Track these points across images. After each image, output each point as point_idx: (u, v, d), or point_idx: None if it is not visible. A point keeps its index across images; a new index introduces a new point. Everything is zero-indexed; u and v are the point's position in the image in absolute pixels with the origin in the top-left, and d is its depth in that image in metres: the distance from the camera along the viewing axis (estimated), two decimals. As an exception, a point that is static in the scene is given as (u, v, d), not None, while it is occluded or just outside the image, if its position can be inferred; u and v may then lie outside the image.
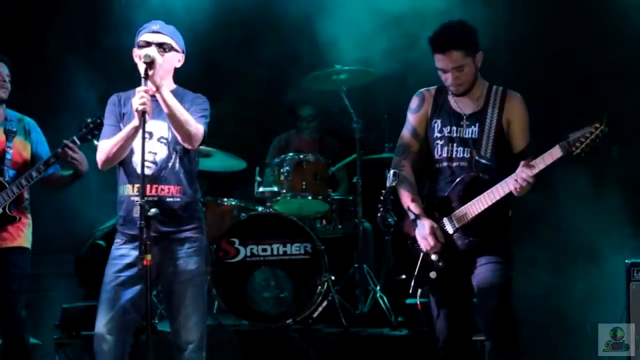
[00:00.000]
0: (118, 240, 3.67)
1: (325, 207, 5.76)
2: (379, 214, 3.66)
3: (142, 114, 3.41)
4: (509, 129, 3.75)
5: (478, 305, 3.73)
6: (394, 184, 3.64)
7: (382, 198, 3.64)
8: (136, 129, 3.49)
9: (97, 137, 4.04)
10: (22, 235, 4.43)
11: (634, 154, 5.56)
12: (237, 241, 5.39)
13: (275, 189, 5.66)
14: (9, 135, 4.44)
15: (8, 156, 4.39)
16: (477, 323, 3.80)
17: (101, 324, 3.56)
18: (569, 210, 5.44)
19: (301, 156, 5.75)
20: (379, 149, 5.99)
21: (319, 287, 5.33)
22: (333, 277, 5.50)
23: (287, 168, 5.69)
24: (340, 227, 5.91)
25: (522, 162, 3.54)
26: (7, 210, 4.33)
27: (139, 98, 3.43)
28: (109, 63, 5.84)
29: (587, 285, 5.34)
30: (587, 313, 4.96)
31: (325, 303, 5.44)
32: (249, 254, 5.38)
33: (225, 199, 5.82)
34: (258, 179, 5.77)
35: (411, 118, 3.91)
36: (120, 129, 3.65)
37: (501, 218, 3.73)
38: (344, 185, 6.30)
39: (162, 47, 3.63)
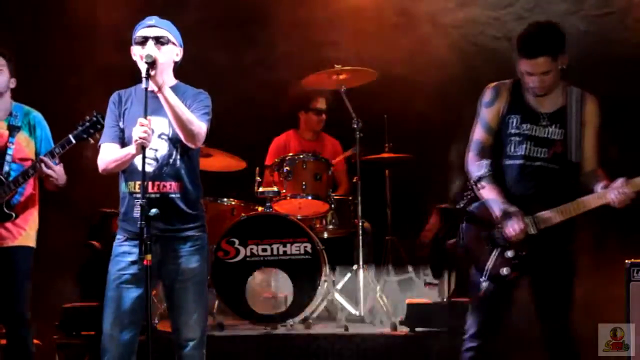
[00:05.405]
0: (120, 237, 3.66)
1: (325, 207, 5.76)
2: (461, 203, 3.68)
3: (142, 148, 3.40)
4: (583, 132, 3.74)
5: (541, 316, 3.79)
6: (488, 173, 3.66)
7: (471, 185, 3.67)
8: (134, 156, 3.50)
9: (93, 136, 4.04)
10: (24, 234, 4.40)
11: (634, 154, 5.56)
12: (237, 241, 5.39)
13: (275, 189, 5.67)
14: (13, 130, 4.39)
15: (10, 151, 4.35)
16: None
17: (108, 322, 3.55)
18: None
19: (301, 156, 5.75)
20: (379, 149, 5.99)
21: (319, 287, 5.33)
22: (333, 277, 5.50)
23: (287, 168, 5.69)
24: (340, 227, 5.91)
25: (622, 178, 3.56)
26: (4, 207, 4.31)
27: (139, 128, 3.40)
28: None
29: (587, 286, 5.34)
30: (587, 313, 4.96)
31: (325, 303, 5.45)
32: (249, 254, 5.38)
33: (225, 199, 5.83)
34: (258, 179, 5.79)
35: (484, 112, 3.85)
36: (119, 129, 3.65)
37: (574, 227, 3.75)
38: (344, 185, 6.31)
39: (160, 40, 3.59)
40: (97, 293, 5.26)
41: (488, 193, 3.72)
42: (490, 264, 3.73)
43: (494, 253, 3.74)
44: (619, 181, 3.57)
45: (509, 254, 3.70)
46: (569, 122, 3.73)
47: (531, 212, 3.67)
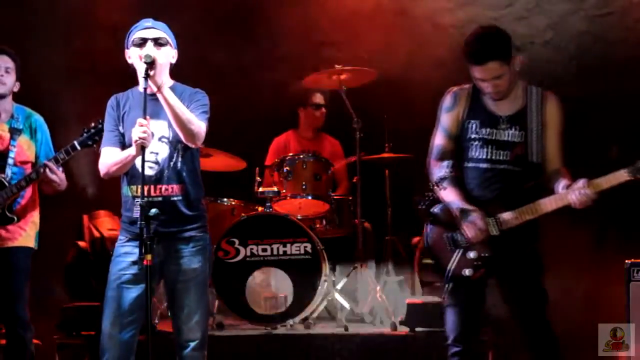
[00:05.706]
0: (122, 238, 3.67)
1: (325, 207, 5.76)
2: (422, 204, 3.69)
3: (142, 148, 3.40)
4: (545, 132, 3.71)
5: (517, 316, 3.77)
6: (450, 174, 3.67)
7: (433, 186, 3.68)
8: (135, 157, 3.50)
9: (97, 143, 4.02)
10: (24, 234, 4.40)
11: (634, 154, 5.56)
12: (237, 241, 5.39)
13: (275, 189, 5.67)
14: (14, 133, 4.39)
15: (11, 154, 4.35)
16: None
17: (108, 321, 3.56)
18: (568, 210, 5.43)
19: (301, 156, 5.75)
20: (379, 149, 5.99)
21: (319, 287, 5.33)
22: (333, 277, 5.50)
23: (287, 168, 5.69)
24: (340, 227, 5.91)
25: (584, 179, 3.53)
26: (6, 211, 4.31)
27: (139, 128, 3.40)
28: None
29: (587, 286, 5.34)
30: (587, 313, 4.96)
31: (325, 303, 5.45)
32: (249, 254, 5.38)
33: (225, 199, 5.83)
34: (258, 179, 5.79)
35: (445, 118, 3.84)
36: (119, 133, 3.66)
37: (538, 226, 3.74)
38: (344, 185, 6.31)
39: (158, 42, 3.60)
40: (84, 292, 5.33)
41: (448, 194, 3.72)
42: (452, 265, 3.73)
43: (456, 254, 3.73)
44: (581, 182, 3.54)
45: (471, 254, 3.70)
46: (529, 123, 3.71)
47: (494, 214, 3.67)
